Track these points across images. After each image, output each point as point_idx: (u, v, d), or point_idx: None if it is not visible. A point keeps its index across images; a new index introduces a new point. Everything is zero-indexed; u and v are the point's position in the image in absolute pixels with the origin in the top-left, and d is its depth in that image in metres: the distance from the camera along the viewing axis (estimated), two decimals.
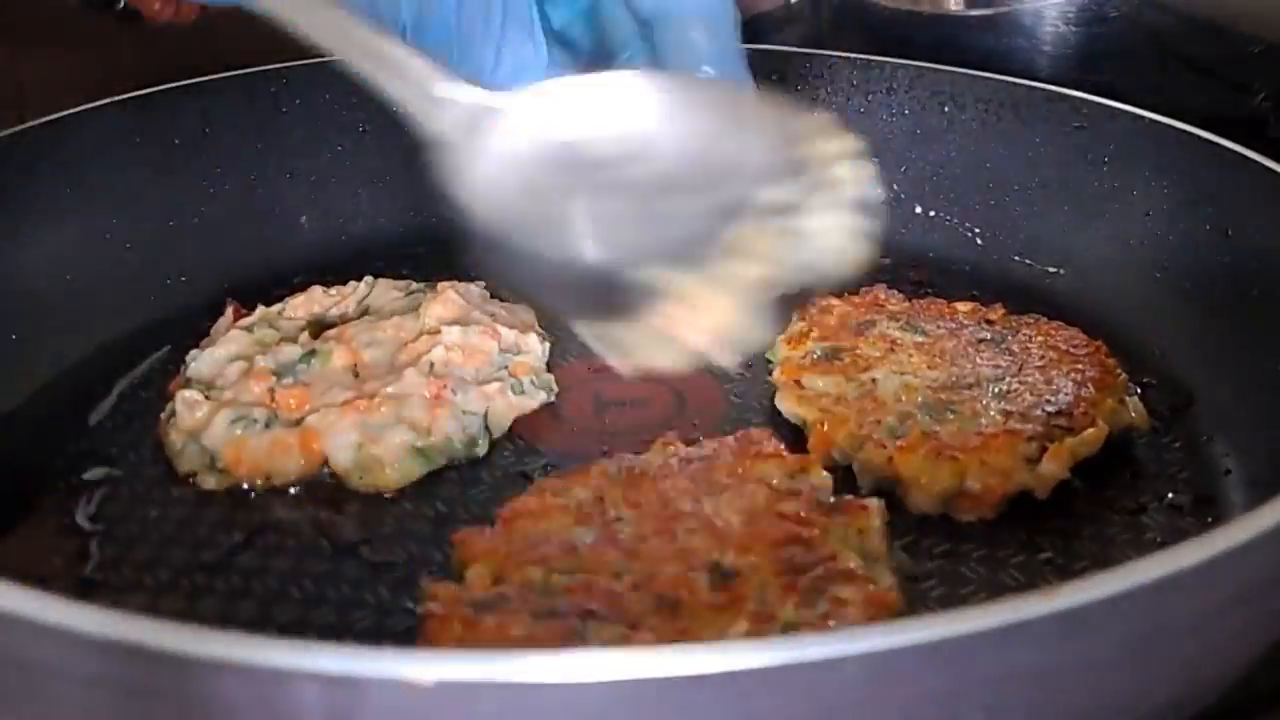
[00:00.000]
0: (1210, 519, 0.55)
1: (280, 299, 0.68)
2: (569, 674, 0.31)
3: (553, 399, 0.62)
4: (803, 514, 0.49)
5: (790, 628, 0.43)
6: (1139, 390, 0.61)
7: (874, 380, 0.60)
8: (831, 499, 0.50)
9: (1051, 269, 0.74)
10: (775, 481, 0.51)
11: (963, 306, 0.66)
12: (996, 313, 0.65)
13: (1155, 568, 0.34)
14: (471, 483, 0.57)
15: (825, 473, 0.53)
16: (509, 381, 0.61)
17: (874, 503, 0.50)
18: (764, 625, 0.43)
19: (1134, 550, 0.53)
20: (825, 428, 0.57)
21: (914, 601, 0.49)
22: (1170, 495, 0.57)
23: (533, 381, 0.62)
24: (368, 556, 0.53)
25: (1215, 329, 0.64)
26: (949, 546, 0.53)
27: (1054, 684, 0.35)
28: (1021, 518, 0.54)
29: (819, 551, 0.47)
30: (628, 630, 0.43)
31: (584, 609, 0.44)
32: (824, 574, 0.45)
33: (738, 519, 0.48)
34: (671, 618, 0.43)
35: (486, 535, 0.49)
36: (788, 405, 0.60)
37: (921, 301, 0.67)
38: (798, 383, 0.60)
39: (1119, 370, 0.61)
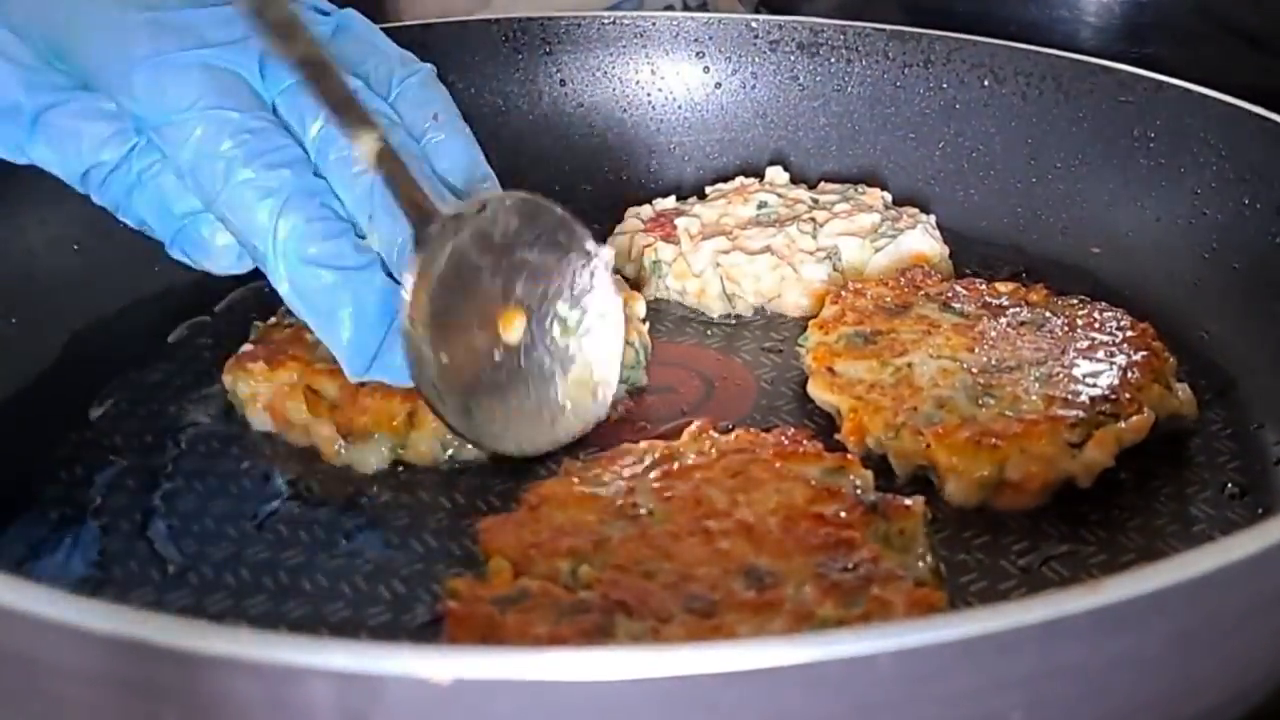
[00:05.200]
0: (1260, 509, 0.54)
1: None
2: (592, 672, 0.30)
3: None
4: (842, 515, 0.47)
5: (829, 625, 0.42)
6: (1185, 374, 0.60)
7: (910, 365, 0.58)
8: (872, 496, 0.49)
9: (1095, 249, 0.73)
10: (813, 479, 0.50)
11: (1003, 287, 0.64)
12: (1039, 293, 0.64)
13: (1204, 561, 0.33)
14: (492, 471, 0.57)
15: (866, 471, 0.51)
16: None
17: (917, 502, 0.49)
18: (801, 624, 0.42)
19: (1181, 542, 0.52)
20: (859, 415, 0.56)
21: (952, 595, 0.48)
22: (1219, 484, 0.55)
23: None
24: (383, 549, 0.52)
25: (1266, 311, 0.63)
26: (989, 538, 0.52)
27: (1097, 682, 0.34)
28: (1064, 508, 0.53)
29: (859, 553, 0.46)
30: (657, 625, 0.42)
31: (612, 602, 0.43)
32: (865, 574, 0.44)
33: (775, 521, 0.47)
34: (703, 617, 0.42)
35: (511, 523, 0.48)
36: (820, 392, 0.59)
37: (960, 282, 0.65)
38: (830, 369, 0.59)
39: (1167, 354, 0.59)
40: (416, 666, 0.30)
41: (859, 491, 0.49)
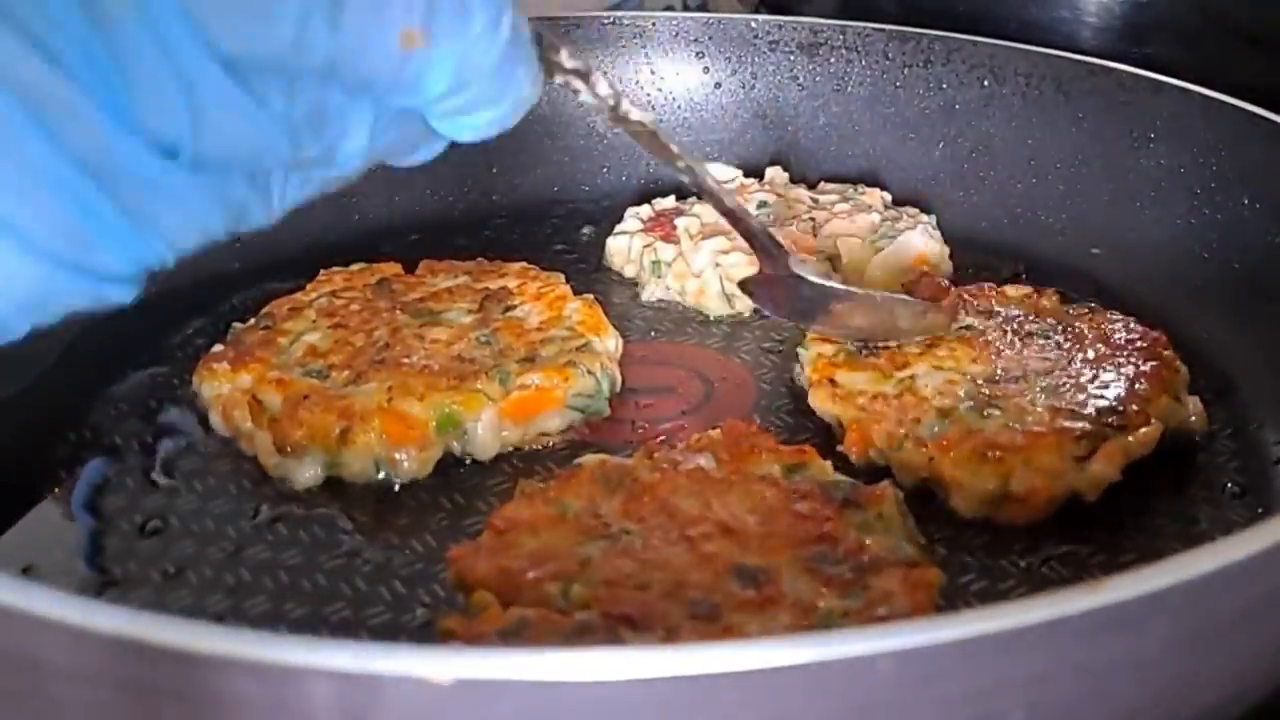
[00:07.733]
0: (1260, 509, 0.54)
1: (294, 279, 0.67)
2: (591, 672, 0.30)
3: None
4: (818, 510, 0.47)
5: (834, 617, 0.42)
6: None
7: (913, 376, 0.57)
8: (839, 489, 0.49)
9: (1095, 249, 0.72)
10: (779, 479, 0.49)
11: (1013, 293, 0.63)
12: (1050, 299, 0.62)
13: (1204, 561, 0.33)
14: (490, 472, 0.56)
15: (824, 461, 0.51)
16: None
17: (885, 487, 0.48)
18: (807, 617, 0.42)
19: (1181, 543, 0.52)
20: (861, 426, 0.55)
21: (952, 595, 0.48)
22: (1219, 484, 0.55)
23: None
24: (382, 550, 0.52)
25: (1265, 312, 0.62)
26: (989, 538, 0.52)
27: (1099, 682, 0.34)
28: (1069, 522, 0.52)
29: (844, 542, 0.45)
30: (666, 634, 0.41)
31: (614, 618, 0.42)
32: (856, 563, 0.44)
33: (752, 519, 0.47)
34: (710, 621, 0.42)
35: (483, 551, 0.46)
36: (821, 404, 0.57)
37: (969, 288, 0.63)
38: (831, 380, 0.57)
39: (1178, 364, 0.58)
40: (416, 666, 0.30)
41: (835, 493, 0.48)
